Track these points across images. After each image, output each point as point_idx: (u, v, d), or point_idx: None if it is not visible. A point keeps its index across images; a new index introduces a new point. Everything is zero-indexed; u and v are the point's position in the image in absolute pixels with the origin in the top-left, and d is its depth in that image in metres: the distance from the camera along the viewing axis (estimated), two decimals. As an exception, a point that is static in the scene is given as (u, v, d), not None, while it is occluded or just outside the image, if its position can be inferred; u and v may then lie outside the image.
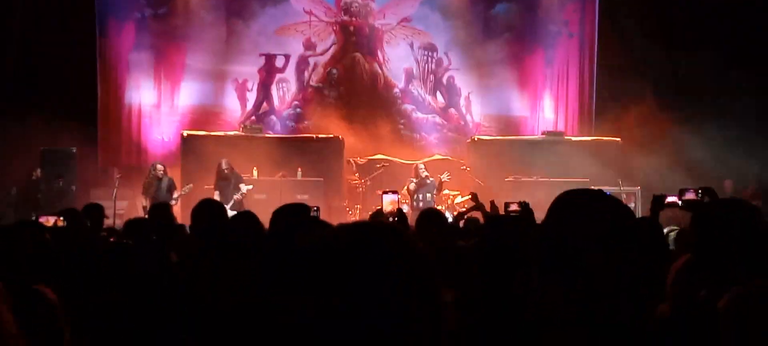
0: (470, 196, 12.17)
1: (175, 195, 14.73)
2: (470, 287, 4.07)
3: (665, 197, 5.62)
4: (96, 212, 7.87)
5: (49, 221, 6.29)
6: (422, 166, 16.35)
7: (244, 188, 14.93)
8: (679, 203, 5.43)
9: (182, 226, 6.84)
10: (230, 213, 13.51)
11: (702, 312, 2.73)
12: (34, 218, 8.07)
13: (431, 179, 16.12)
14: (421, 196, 16.04)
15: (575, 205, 2.36)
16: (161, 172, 15.01)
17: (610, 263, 2.27)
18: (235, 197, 14.78)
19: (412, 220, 9.77)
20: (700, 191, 5.18)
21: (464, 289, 3.99)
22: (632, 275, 2.27)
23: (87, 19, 18.30)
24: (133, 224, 5.90)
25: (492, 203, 8.51)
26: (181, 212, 13.03)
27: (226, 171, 15.08)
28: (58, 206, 11.84)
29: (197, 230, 4.95)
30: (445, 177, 15.56)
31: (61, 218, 6.32)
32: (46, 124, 16.20)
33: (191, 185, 15.04)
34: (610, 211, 2.33)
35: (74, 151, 16.73)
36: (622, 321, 2.25)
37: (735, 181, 16.65)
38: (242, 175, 15.37)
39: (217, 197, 14.79)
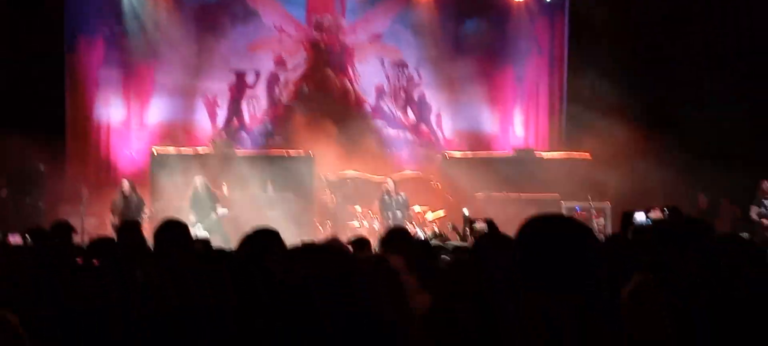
0: (451, 228, 12.21)
1: (146, 212, 14.62)
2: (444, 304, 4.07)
3: (634, 213, 5.69)
4: (64, 229, 7.77)
5: (18, 239, 6.22)
6: (390, 182, 16.38)
7: (220, 211, 14.85)
8: (650, 220, 5.51)
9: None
10: (203, 235, 13.51)
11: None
12: (1, 238, 7.97)
13: (402, 195, 16.16)
14: (390, 213, 16.07)
15: (544, 231, 2.47)
16: (129, 190, 14.90)
17: (578, 285, 2.35)
18: (211, 217, 14.73)
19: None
20: (665, 209, 5.27)
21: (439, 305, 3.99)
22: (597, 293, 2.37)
23: (55, 35, 18.14)
24: (98, 243, 5.84)
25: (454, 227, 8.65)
26: (150, 231, 12.93)
27: (198, 190, 15.01)
28: (26, 225, 11.72)
29: (159, 250, 4.91)
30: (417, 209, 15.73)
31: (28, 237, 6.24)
32: (13, 142, 16.03)
33: (162, 202, 14.94)
34: (577, 236, 2.44)
35: (42, 168, 16.57)
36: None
37: (708, 195, 16.76)
38: (215, 192, 15.33)
39: (192, 217, 14.72)
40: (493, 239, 4.68)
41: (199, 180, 15.06)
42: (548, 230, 2.54)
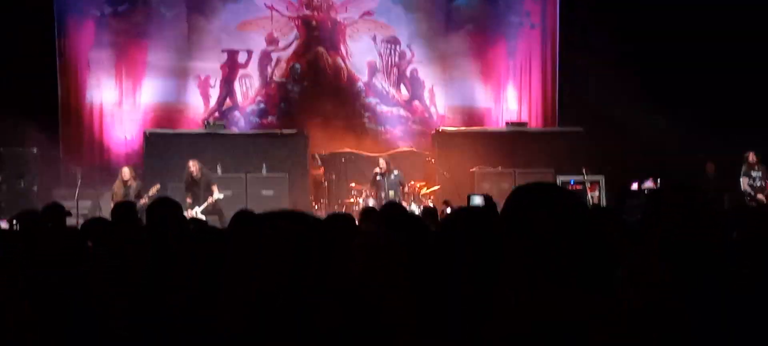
0: (443, 203, 12.19)
1: (144, 199, 14.52)
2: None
3: (630, 186, 5.69)
4: (57, 212, 7.75)
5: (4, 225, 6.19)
6: (382, 161, 16.37)
7: (216, 194, 14.81)
8: (644, 191, 5.53)
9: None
10: (202, 217, 13.46)
11: None
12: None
13: (394, 172, 16.14)
14: (383, 193, 16.05)
15: (531, 199, 2.41)
16: (128, 176, 14.84)
17: (566, 253, 2.30)
18: (208, 200, 14.69)
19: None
20: (657, 179, 5.28)
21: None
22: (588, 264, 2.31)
23: (46, 18, 18.07)
24: (92, 223, 5.82)
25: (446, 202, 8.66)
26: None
27: (194, 174, 14.96)
28: (19, 208, 11.69)
29: (152, 229, 4.90)
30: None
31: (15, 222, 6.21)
32: (6, 125, 15.98)
33: (158, 186, 14.88)
34: (565, 203, 2.37)
35: (35, 151, 16.54)
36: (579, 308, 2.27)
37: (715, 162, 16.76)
38: (209, 174, 15.29)
39: (189, 199, 14.69)
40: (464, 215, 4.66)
41: (193, 164, 15.00)
42: (533, 200, 2.46)
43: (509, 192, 2.53)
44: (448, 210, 10.06)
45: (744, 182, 15.95)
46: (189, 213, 13.94)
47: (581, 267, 2.32)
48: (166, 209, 4.89)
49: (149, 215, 4.85)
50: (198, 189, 14.89)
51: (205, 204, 14.58)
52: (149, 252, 3.95)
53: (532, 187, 2.49)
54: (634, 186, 14.03)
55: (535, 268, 2.32)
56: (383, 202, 15.28)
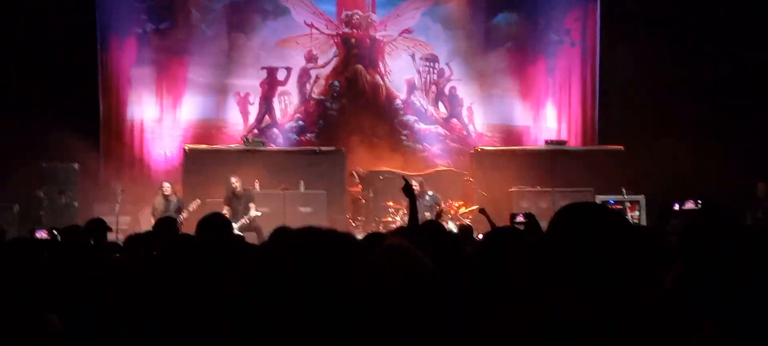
0: (479, 210, 12.14)
1: (184, 214, 14.62)
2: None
3: (672, 205, 5.66)
4: (98, 227, 7.81)
5: (44, 234, 6.24)
6: (415, 183, 16.34)
7: (253, 212, 14.88)
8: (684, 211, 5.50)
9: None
10: (238, 233, 13.52)
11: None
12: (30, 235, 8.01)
13: (429, 193, 16.05)
14: (429, 213, 15.99)
15: (580, 217, 2.44)
16: (169, 191, 14.97)
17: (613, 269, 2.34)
18: (245, 217, 14.76)
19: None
20: (699, 201, 5.27)
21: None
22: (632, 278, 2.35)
23: (89, 34, 18.30)
24: (134, 239, 5.85)
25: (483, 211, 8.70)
26: (187, 229, 12.97)
27: (237, 190, 15.06)
28: (61, 223, 11.81)
29: (203, 242, 4.89)
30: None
31: (56, 233, 6.26)
32: (48, 140, 16.19)
33: (199, 201, 14.96)
34: (612, 222, 2.42)
35: (76, 166, 16.71)
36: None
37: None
38: (250, 191, 15.36)
39: (226, 214, 14.71)
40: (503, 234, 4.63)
41: (235, 179, 15.10)
42: (582, 220, 2.47)
43: (548, 212, 2.62)
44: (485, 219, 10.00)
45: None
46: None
47: (621, 276, 2.37)
48: (219, 224, 4.88)
49: (201, 229, 4.83)
50: (238, 204, 14.96)
51: (242, 221, 14.63)
52: (197, 266, 3.95)
53: (579, 206, 2.54)
54: (676, 206, 13.86)
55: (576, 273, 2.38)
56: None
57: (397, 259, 2.91)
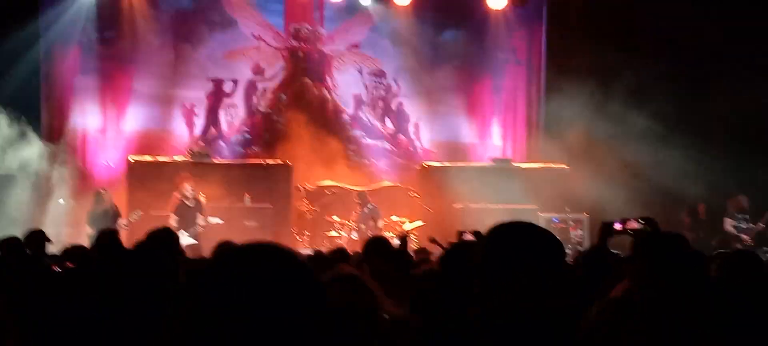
0: (430, 240, 12.19)
1: (123, 222, 14.45)
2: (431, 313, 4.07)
3: (613, 223, 5.75)
4: (37, 238, 7.67)
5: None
6: (362, 193, 16.47)
7: (212, 219, 14.81)
8: (628, 231, 5.57)
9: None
10: (188, 242, 13.42)
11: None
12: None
13: (370, 206, 16.17)
14: (370, 222, 16.05)
15: (509, 239, 2.64)
16: (105, 199, 14.78)
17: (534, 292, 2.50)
18: (199, 224, 14.67)
19: (357, 248, 9.76)
20: (641, 220, 5.36)
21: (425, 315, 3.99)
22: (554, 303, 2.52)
23: (31, 42, 17.97)
24: (73, 251, 5.76)
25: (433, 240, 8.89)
26: (127, 240, 12.79)
27: (189, 197, 14.96)
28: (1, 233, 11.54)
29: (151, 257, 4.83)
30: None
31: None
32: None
33: (140, 212, 14.79)
34: (541, 246, 2.61)
35: (17, 176, 16.40)
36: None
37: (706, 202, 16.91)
38: (200, 201, 15.26)
39: (174, 223, 14.57)
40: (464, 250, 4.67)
41: (188, 187, 15.00)
42: (513, 238, 2.61)
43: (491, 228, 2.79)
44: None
45: (728, 223, 16.07)
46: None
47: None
48: (168, 238, 4.82)
49: (151, 241, 4.77)
50: (189, 213, 14.87)
51: (199, 225, 14.59)
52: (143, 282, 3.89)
53: (510, 226, 2.78)
54: (618, 225, 14.05)
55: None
56: (367, 233, 15.28)
57: (348, 289, 2.92)
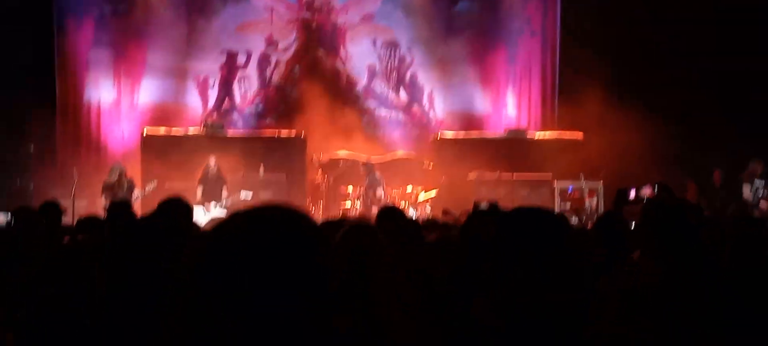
0: (443, 213, 12.18)
1: (136, 193, 14.54)
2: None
3: (628, 191, 5.72)
4: (53, 210, 7.69)
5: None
6: (367, 163, 16.51)
7: (243, 193, 14.94)
8: (642, 198, 5.55)
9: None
10: (219, 214, 13.58)
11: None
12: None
13: (376, 175, 16.18)
14: (371, 192, 16.03)
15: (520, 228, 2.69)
16: (120, 172, 14.83)
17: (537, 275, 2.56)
18: (227, 199, 14.86)
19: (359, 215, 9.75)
20: (656, 186, 5.32)
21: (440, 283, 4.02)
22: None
23: (45, 17, 18.00)
24: (86, 221, 5.77)
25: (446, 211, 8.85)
26: (142, 211, 12.84)
27: (213, 171, 15.12)
28: (14, 206, 11.58)
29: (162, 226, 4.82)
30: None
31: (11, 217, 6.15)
32: (2, 123, 15.93)
33: (155, 182, 14.89)
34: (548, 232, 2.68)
35: (31, 149, 16.48)
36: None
37: (696, 180, 16.79)
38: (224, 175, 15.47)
39: (199, 195, 14.80)
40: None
41: (213, 160, 15.14)
42: (523, 228, 2.74)
43: (507, 198, 2.92)
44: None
45: (746, 189, 15.90)
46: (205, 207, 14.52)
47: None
48: (180, 207, 4.81)
49: (161, 211, 4.76)
50: (212, 186, 15.06)
51: (223, 201, 14.81)
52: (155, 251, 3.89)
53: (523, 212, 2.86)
54: (632, 193, 14.00)
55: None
56: (370, 202, 15.38)
57: (362, 235, 2.98)
